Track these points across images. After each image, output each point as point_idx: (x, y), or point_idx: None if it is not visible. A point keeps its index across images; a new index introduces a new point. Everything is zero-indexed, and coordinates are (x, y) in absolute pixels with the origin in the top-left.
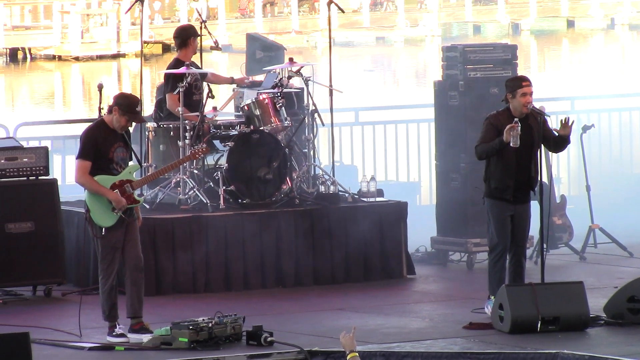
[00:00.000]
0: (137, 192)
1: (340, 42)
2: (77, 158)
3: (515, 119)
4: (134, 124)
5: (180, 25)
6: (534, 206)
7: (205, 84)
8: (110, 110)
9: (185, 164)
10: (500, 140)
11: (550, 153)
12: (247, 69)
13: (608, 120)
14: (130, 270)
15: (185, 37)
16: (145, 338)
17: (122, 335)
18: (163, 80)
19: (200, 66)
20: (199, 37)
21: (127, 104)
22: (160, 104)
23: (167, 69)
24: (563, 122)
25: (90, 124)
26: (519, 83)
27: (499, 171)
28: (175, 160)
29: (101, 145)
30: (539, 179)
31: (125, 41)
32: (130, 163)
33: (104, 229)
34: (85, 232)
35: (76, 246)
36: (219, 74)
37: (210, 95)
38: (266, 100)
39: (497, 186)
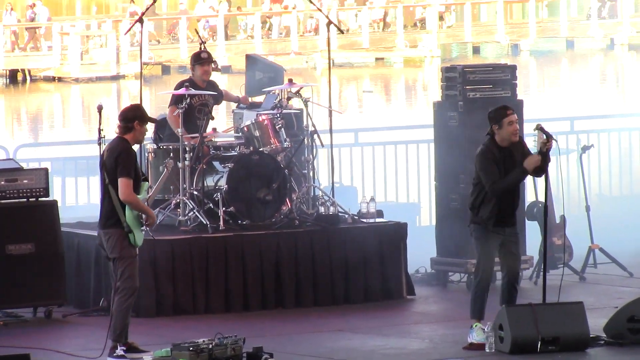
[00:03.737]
0: None
1: (339, 62)
2: (123, 176)
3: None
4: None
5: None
6: (534, 226)
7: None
8: (128, 128)
9: (185, 185)
10: (522, 170)
11: (549, 174)
12: (246, 90)
13: (607, 140)
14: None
15: (191, 63)
16: (146, 357)
17: (122, 356)
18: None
19: (219, 89)
20: (204, 64)
21: (142, 114)
22: (159, 126)
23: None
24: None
25: (114, 145)
26: (504, 112)
27: (491, 202)
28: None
29: (136, 164)
30: (545, 200)
31: (125, 62)
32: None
33: (137, 249)
34: (84, 252)
35: (76, 268)
36: (229, 92)
37: (210, 116)
38: (265, 122)
39: (488, 217)
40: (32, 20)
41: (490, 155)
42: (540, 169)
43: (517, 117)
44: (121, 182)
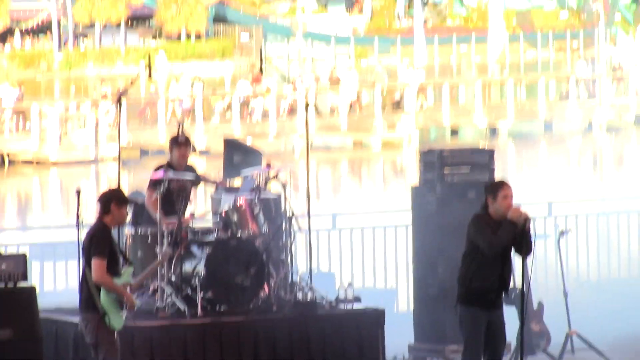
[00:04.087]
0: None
1: (317, 145)
2: (95, 256)
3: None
4: None
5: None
6: (512, 312)
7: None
8: (106, 211)
9: (162, 271)
10: (509, 222)
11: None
12: (224, 173)
13: (585, 224)
14: None
15: (170, 146)
16: None
17: None
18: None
19: (196, 173)
20: (181, 147)
21: (121, 195)
22: (137, 211)
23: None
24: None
25: (92, 226)
26: (500, 186)
27: (485, 271)
28: (152, 266)
29: (112, 246)
30: (522, 285)
31: (103, 145)
32: (125, 267)
33: (116, 333)
34: (62, 338)
35: (55, 353)
36: (207, 176)
37: (187, 201)
38: (243, 207)
39: (480, 286)
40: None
41: (483, 221)
42: (527, 248)
43: (512, 194)
44: (94, 262)
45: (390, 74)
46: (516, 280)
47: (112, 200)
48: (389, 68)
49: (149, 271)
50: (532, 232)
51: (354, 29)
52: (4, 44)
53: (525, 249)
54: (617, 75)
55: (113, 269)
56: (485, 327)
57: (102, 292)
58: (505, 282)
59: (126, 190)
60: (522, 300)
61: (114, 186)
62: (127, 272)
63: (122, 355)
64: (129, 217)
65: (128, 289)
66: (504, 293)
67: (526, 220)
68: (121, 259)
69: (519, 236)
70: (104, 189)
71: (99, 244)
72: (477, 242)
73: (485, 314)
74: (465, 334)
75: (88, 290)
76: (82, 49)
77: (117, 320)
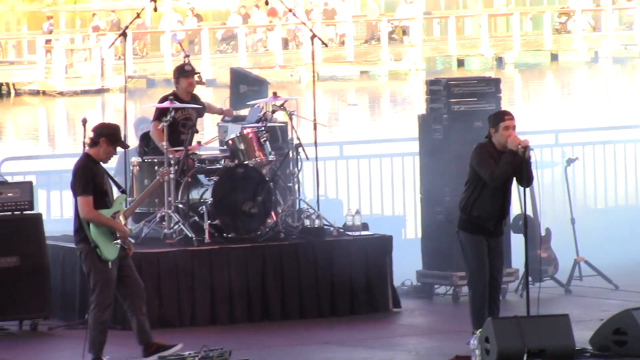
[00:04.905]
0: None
1: (324, 76)
2: (79, 195)
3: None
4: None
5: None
6: (519, 239)
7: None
8: (93, 143)
9: (170, 198)
10: (510, 151)
11: (535, 186)
12: (231, 103)
13: (592, 153)
14: (138, 299)
15: (175, 76)
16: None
17: None
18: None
19: (201, 101)
20: (189, 76)
21: (113, 134)
22: (144, 139)
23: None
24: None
25: (77, 160)
26: (502, 117)
27: (485, 200)
28: (149, 186)
29: (96, 179)
30: (524, 211)
31: (109, 76)
32: (117, 193)
33: (110, 263)
34: (70, 265)
35: (62, 281)
36: (211, 104)
37: (194, 129)
38: (250, 135)
39: (480, 214)
40: (50, 32)
41: (486, 151)
42: (527, 178)
43: (515, 124)
44: (78, 200)
45: (394, 9)
46: (521, 207)
47: (103, 134)
48: (393, 2)
49: (143, 195)
50: (533, 160)
51: None
52: None
53: (525, 179)
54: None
55: (101, 201)
56: (487, 251)
57: (92, 226)
58: (504, 211)
59: (134, 119)
60: (525, 226)
61: (115, 119)
62: (118, 201)
63: None
64: (135, 146)
65: (121, 217)
66: (503, 222)
67: (525, 148)
68: (113, 188)
69: (519, 166)
70: (110, 118)
71: (81, 181)
72: (479, 172)
73: (485, 240)
74: (468, 259)
75: (79, 222)
76: None
77: (109, 251)
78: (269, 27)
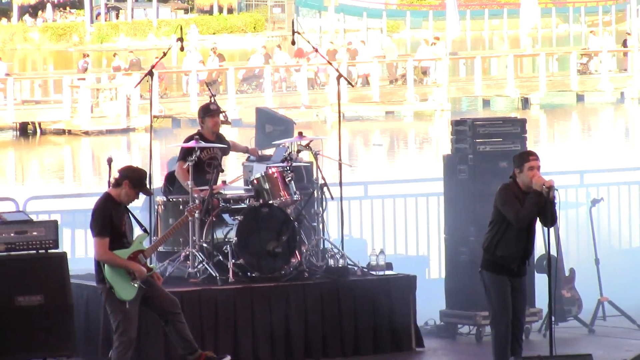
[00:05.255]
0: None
1: (349, 116)
2: (95, 236)
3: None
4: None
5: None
6: (543, 279)
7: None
8: (117, 184)
9: (194, 238)
10: (535, 192)
11: (559, 226)
12: (256, 142)
13: (617, 193)
14: (173, 307)
15: (200, 115)
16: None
17: None
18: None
19: (226, 140)
20: (214, 115)
21: (137, 178)
22: (170, 178)
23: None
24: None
25: (97, 199)
26: (527, 157)
27: (509, 240)
28: (175, 223)
29: (114, 220)
30: (548, 250)
31: (135, 115)
32: (138, 232)
33: (127, 303)
34: (93, 303)
35: (85, 319)
36: (236, 142)
37: (219, 169)
38: (275, 174)
39: (504, 255)
40: (85, 70)
41: (511, 192)
42: (551, 218)
43: (540, 164)
44: (94, 241)
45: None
46: (545, 247)
47: (127, 177)
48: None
49: (166, 235)
50: (557, 201)
51: (386, 3)
52: (36, 17)
53: (550, 219)
54: None
55: (118, 242)
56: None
57: (107, 267)
58: (528, 251)
59: (159, 159)
60: (549, 266)
61: (141, 159)
62: (138, 240)
63: (152, 319)
64: (159, 184)
65: (141, 256)
66: (527, 262)
67: (550, 188)
68: (135, 226)
69: (543, 206)
70: (135, 157)
71: (97, 222)
72: (504, 213)
73: (508, 281)
74: (492, 298)
75: (97, 263)
76: (114, 21)
77: (126, 291)
78: (295, 67)
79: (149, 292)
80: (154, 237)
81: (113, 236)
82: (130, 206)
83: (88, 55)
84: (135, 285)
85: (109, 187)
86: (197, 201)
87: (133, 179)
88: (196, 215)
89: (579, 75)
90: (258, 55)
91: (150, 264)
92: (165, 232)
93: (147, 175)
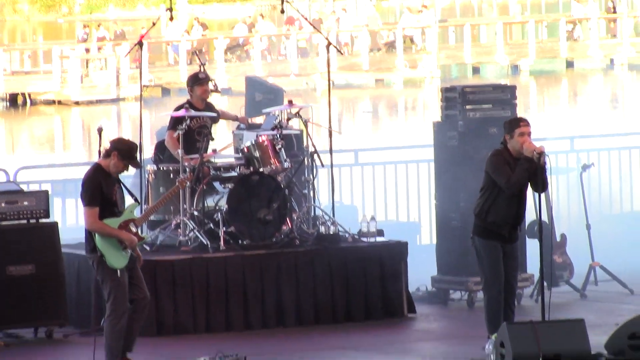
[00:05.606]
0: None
1: (339, 84)
2: (84, 206)
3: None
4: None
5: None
6: (534, 244)
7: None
8: (107, 154)
9: (185, 206)
10: (525, 158)
11: (550, 192)
12: (246, 111)
13: (608, 158)
14: (139, 309)
15: (189, 84)
16: None
17: None
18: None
19: (215, 109)
20: (203, 84)
21: (127, 150)
22: (160, 147)
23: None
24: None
25: (88, 169)
26: (517, 123)
27: (500, 206)
28: (166, 193)
29: (104, 190)
30: (539, 217)
31: (125, 85)
32: (129, 202)
33: (119, 271)
34: (85, 272)
35: (77, 288)
36: (225, 111)
37: (209, 137)
38: (265, 142)
39: (495, 221)
40: (85, 41)
41: (502, 158)
42: (542, 184)
43: (530, 130)
44: (84, 211)
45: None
46: (536, 213)
47: (117, 148)
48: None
49: (157, 204)
50: (548, 166)
51: None
52: None
53: (540, 185)
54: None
55: (109, 211)
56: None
57: (97, 235)
58: (519, 217)
59: (149, 128)
60: (540, 232)
61: (131, 128)
62: (129, 209)
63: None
64: (150, 154)
65: (132, 225)
66: (518, 227)
67: (541, 154)
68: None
69: (534, 172)
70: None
71: (87, 192)
72: (495, 179)
73: (500, 246)
74: (484, 264)
75: (88, 233)
76: None
77: (117, 259)
78: (286, 34)
79: (132, 271)
80: (145, 206)
81: (103, 206)
82: (122, 175)
83: (88, 27)
84: (126, 254)
85: (99, 157)
86: (188, 171)
87: (122, 151)
88: (187, 184)
89: (568, 41)
90: (241, 24)
91: (142, 233)
92: (156, 201)
93: (138, 148)
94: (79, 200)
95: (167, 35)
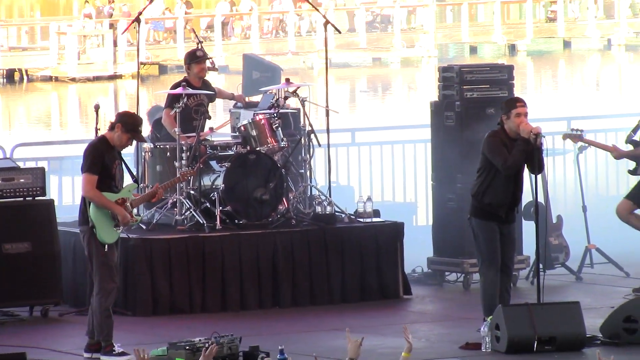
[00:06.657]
0: (134, 210)
1: (336, 63)
2: (84, 172)
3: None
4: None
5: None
6: (530, 226)
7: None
8: (112, 127)
9: (181, 185)
10: (522, 139)
11: (546, 173)
12: (243, 89)
13: (604, 140)
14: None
15: (187, 62)
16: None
17: (123, 353)
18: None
19: (212, 87)
20: (201, 61)
21: (132, 123)
22: (157, 125)
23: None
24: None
25: (92, 139)
26: (514, 104)
27: (497, 187)
28: (168, 182)
29: (106, 161)
30: (536, 199)
31: (122, 62)
32: (128, 182)
33: (106, 246)
34: (81, 251)
35: (73, 267)
36: (222, 89)
37: (207, 116)
38: (263, 121)
39: (492, 202)
40: (111, 15)
41: (498, 138)
42: (539, 166)
43: (527, 111)
44: (82, 177)
45: None
46: (532, 195)
47: (121, 121)
48: None
49: (152, 192)
50: (545, 148)
51: None
52: None
53: (537, 166)
54: None
55: (107, 184)
56: (499, 238)
57: (92, 206)
58: (516, 198)
59: (146, 104)
60: (537, 214)
61: (128, 105)
62: (127, 188)
63: (140, 267)
64: (147, 132)
65: (127, 205)
66: (515, 209)
67: (537, 135)
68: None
69: (530, 153)
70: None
71: (89, 158)
72: (492, 160)
73: (497, 227)
74: (481, 245)
75: (83, 203)
76: None
77: (107, 234)
78: (284, 12)
79: None
80: (142, 185)
81: (102, 179)
82: (123, 153)
83: (87, 2)
84: (117, 230)
85: (96, 133)
86: (181, 153)
87: (127, 123)
88: (189, 178)
89: (548, 23)
90: (223, 2)
91: (137, 215)
92: (152, 189)
93: (142, 122)
94: (76, 178)
95: (146, 13)
